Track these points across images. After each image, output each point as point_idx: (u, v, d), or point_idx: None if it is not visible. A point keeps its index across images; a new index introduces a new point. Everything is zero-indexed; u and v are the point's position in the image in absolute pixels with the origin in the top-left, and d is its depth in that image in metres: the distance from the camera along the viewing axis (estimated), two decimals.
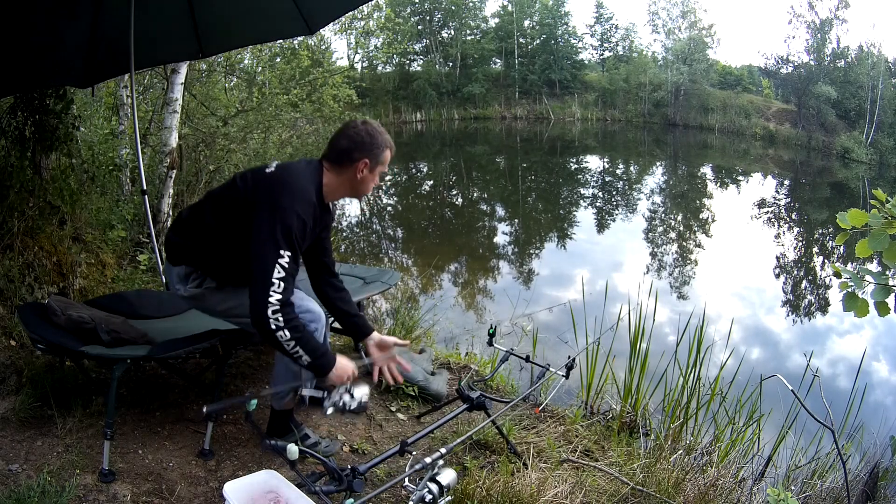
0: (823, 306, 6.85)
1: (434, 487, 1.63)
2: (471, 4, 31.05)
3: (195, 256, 1.95)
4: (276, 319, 1.65)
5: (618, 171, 17.87)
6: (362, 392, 1.80)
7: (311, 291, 2.08)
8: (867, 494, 2.30)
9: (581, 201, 12.72)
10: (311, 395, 1.76)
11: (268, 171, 1.82)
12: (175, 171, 4.19)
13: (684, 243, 9.51)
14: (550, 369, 2.32)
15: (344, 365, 1.81)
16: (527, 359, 2.42)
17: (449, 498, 1.67)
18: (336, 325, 2.20)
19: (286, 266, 1.66)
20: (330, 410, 1.77)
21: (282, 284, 1.65)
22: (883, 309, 1.46)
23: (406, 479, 1.68)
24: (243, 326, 2.05)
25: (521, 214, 11.11)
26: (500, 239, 9.16)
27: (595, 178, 16.12)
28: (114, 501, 1.87)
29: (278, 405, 2.09)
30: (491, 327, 2.38)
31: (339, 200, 2.06)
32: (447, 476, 1.68)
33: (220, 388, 2.21)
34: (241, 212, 1.78)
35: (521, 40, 31.54)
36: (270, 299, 1.64)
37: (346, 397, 1.77)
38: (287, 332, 1.66)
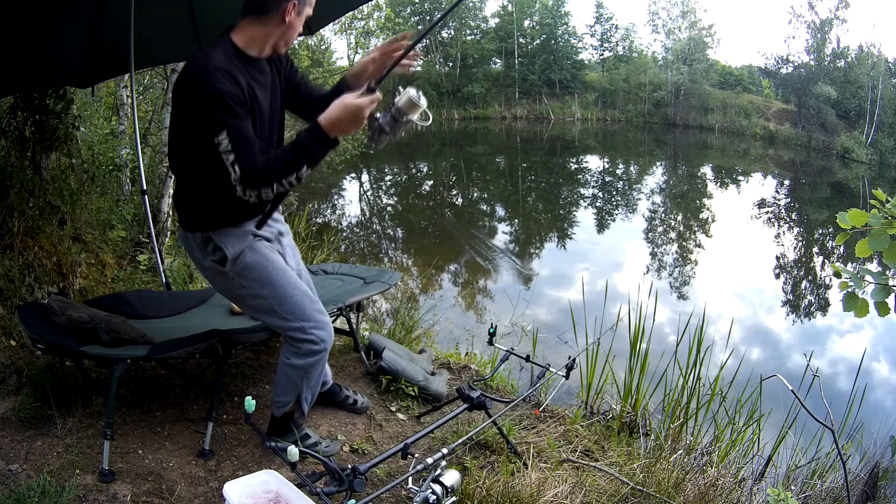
0: (823, 306, 6.86)
1: (437, 489, 1.62)
2: (471, 4, 31.05)
3: (196, 209, 1.82)
4: (250, 196, 1.60)
5: (618, 171, 17.88)
6: (404, 101, 1.61)
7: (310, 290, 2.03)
8: (867, 494, 2.30)
9: (581, 201, 12.73)
10: None
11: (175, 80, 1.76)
12: None
13: (684, 243, 9.52)
14: (550, 369, 2.32)
15: (336, 115, 1.62)
16: (527, 359, 2.42)
17: (453, 499, 1.67)
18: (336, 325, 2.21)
19: (228, 147, 1.56)
20: (380, 145, 1.70)
21: (235, 167, 1.57)
22: (883, 309, 1.46)
23: (409, 480, 1.68)
24: (262, 319, 1.98)
25: (521, 214, 11.11)
26: (501, 239, 9.17)
27: (595, 179, 16.12)
28: (114, 501, 1.86)
29: (279, 412, 2.07)
30: (491, 327, 2.38)
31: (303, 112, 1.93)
32: (451, 477, 1.67)
33: (219, 388, 2.21)
34: (186, 128, 1.68)
35: (521, 40, 31.56)
36: (236, 187, 1.58)
37: (380, 120, 1.64)
38: (271, 188, 1.61)
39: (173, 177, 1.94)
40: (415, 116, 1.64)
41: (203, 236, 1.82)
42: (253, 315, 2.01)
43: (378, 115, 1.66)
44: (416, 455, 1.92)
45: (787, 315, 6.54)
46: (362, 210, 11.18)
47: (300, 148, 1.61)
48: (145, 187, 3.26)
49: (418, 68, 30.14)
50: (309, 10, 1.72)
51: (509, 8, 31.34)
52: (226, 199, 1.69)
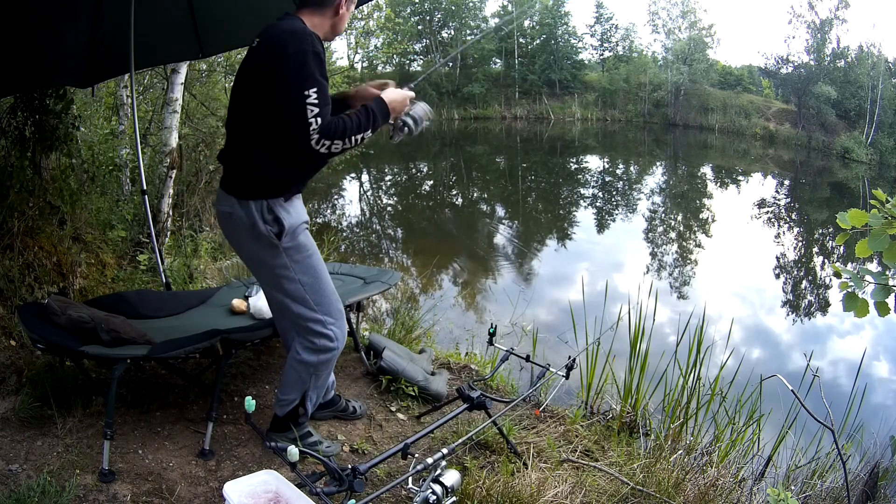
0: (823, 306, 6.86)
1: (438, 489, 1.62)
2: (471, 4, 31.06)
3: (260, 174, 1.85)
4: (324, 145, 1.72)
5: (618, 171, 17.88)
6: (420, 111, 1.93)
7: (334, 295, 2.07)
8: (867, 494, 2.30)
9: (581, 201, 12.73)
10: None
11: (255, 44, 1.80)
12: (175, 171, 4.19)
13: (684, 243, 9.52)
14: (550, 369, 2.32)
15: (395, 97, 1.89)
16: (527, 359, 2.42)
17: (453, 499, 1.67)
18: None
19: (316, 101, 1.69)
20: (398, 139, 1.93)
21: (318, 119, 1.69)
22: (883, 309, 1.46)
23: (409, 480, 1.68)
24: (287, 306, 1.98)
25: (522, 214, 11.12)
26: (501, 239, 9.17)
27: (595, 178, 16.13)
28: (114, 501, 1.86)
29: (282, 412, 2.08)
30: (491, 327, 2.38)
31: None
32: (451, 477, 1.67)
33: (219, 388, 2.21)
34: (261, 90, 1.76)
35: (521, 40, 31.56)
36: (312, 140, 1.69)
37: (409, 121, 1.92)
38: (339, 142, 1.74)
39: (231, 145, 1.93)
40: (425, 123, 1.98)
41: (266, 205, 1.85)
42: (278, 298, 1.99)
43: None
44: (416, 455, 1.92)
45: (788, 315, 6.53)
46: (362, 210, 11.18)
47: (370, 113, 1.82)
48: (145, 187, 3.27)
49: (419, 68, 30.23)
50: (353, 5, 1.93)
51: (509, 8, 31.34)
52: (290, 165, 1.85)
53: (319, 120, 1.69)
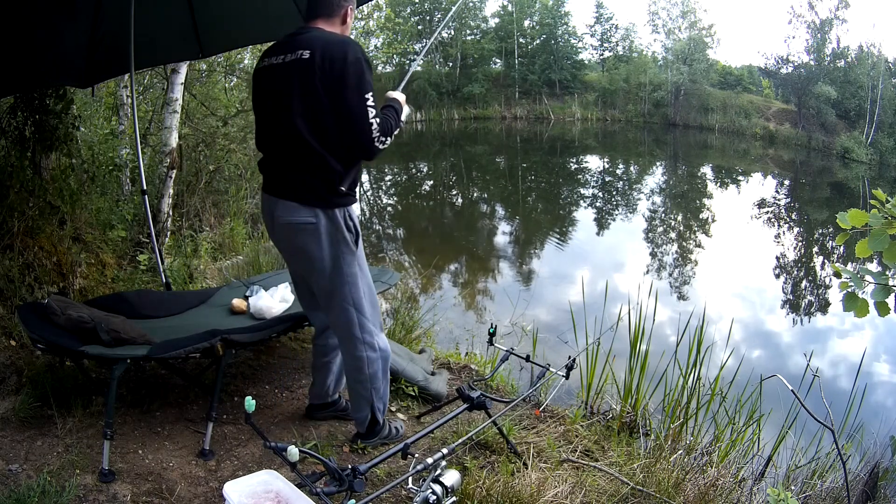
0: (823, 306, 6.85)
1: (437, 489, 1.62)
2: (471, 4, 31.03)
3: (338, 183, 1.91)
4: (382, 143, 1.88)
5: (618, 171, 17.88)
6: (407, 111, 2.13)
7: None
8: (867, 494, 2.30)
9: (581, 201, 12.72)
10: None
11: (304, 55, 1.83)
12: (175, 171, 4.19)
13: (684, 243, 9.52)
14: (550, 369, 2.32)
15: (400, 100, 2.07)
16: (527, 359, 2.42)
17: (453, 499, 1.66)
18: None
19: (373, 104, 1.85)
20: None
21: (377, 120, 1.85)
22: (883, 309, 1.45)
23: (409, 480, 1.67)
24: (345, 311, 2.04)
25: (521, 214, 11.12)
26: (501, 239, 9.17)
27: (595, 178, 16.12)
28: (114, 501, 1.86)
29: (363, 428, 2.23)
30: (491, 327, 2.38)
31: None
32: (451, 477, 1.67)
33: (219, 388, 2.21)
34: (326, 98, 1.84)
35: (521, 40, 31.54)
36: (375, 139, 1.85)
37: (402, 123, 2.08)
38: (388, 140, 1.91)
39: (296, 154, 1.93)
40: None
41: (347, 212, 1.95)
42: (340, 306, 2.02)
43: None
44: (416, 455, 1.92)
45: (788, 315, 6.53)
46: (362, 210, 11.16)
47: (397, 114, 2.00)
48: (145, 187, 3.27)
49: (419, 68, 30.19)
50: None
51: (509, 8, 31.33)
52: (353, 169, 1.95)
53: (378, 120, 1.85)
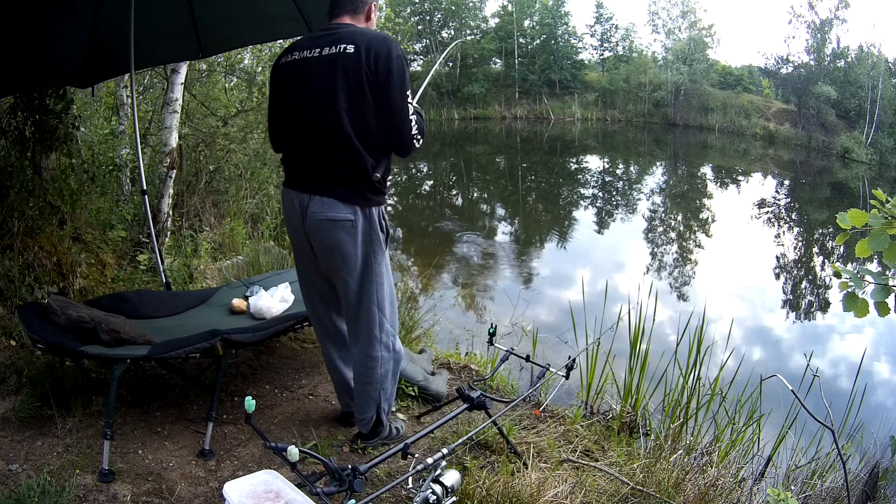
0: (823, 306, 6.85)
1: (437, 489, 1.62)
2: (471, 4, 31.06)
3: (376, 181, 1.90)
4: (419, 140, 1.92)
5: (618, 171, 17.87)
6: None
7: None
8: (867, 494, 2.30)
9: (581, 201, 12.72)
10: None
11: (348, 49, 1.80)
12: (175, 171, 4.19)
13: (684, 243, 9.52)
14: (550, 369, 2.32)
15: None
16: (527, 359, 2.42)
17: (453, 499, 1.66)
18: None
19: (411, 101, 1.88)
20: None
21: (415, 116, 1.88)
22: (883, 309, 1.45)
23: (409, 480, 1.67)
24: (369, 309, 2.02)
25: (522, 214, 11.11)
26: (500, 239, 9.16)
27: (595, 178, 16.12)
28: (114, 501, 1.86)
29: (366, 428, 2.22)
30: (491, 327, 2.38)
31: None
32: (451, 477, 1.67)
33: (219, 388, 2.21)
34: (367, 95, 1.83)
35: (521, 40, 31.55)
36: (413, 137, 1.89)
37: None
38: (422, 138, 1.94)
39: (335, 151, 1.89)
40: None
41: (381, 211, 1.95)
42: (363, 303, 2.00)
43: None
44: (416, 455, 1.92)
45: (788, 315, 6.53)
46: None
47: (419, 112, 1.98)
48: (145, 187, 3.27)
49: (418, 68, 30.21)
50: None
51: (509, 8, 31.34)
52: (386, 169, 1.95)
53: (416, 117, 1.89)
